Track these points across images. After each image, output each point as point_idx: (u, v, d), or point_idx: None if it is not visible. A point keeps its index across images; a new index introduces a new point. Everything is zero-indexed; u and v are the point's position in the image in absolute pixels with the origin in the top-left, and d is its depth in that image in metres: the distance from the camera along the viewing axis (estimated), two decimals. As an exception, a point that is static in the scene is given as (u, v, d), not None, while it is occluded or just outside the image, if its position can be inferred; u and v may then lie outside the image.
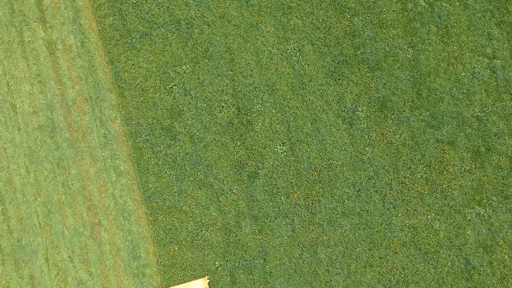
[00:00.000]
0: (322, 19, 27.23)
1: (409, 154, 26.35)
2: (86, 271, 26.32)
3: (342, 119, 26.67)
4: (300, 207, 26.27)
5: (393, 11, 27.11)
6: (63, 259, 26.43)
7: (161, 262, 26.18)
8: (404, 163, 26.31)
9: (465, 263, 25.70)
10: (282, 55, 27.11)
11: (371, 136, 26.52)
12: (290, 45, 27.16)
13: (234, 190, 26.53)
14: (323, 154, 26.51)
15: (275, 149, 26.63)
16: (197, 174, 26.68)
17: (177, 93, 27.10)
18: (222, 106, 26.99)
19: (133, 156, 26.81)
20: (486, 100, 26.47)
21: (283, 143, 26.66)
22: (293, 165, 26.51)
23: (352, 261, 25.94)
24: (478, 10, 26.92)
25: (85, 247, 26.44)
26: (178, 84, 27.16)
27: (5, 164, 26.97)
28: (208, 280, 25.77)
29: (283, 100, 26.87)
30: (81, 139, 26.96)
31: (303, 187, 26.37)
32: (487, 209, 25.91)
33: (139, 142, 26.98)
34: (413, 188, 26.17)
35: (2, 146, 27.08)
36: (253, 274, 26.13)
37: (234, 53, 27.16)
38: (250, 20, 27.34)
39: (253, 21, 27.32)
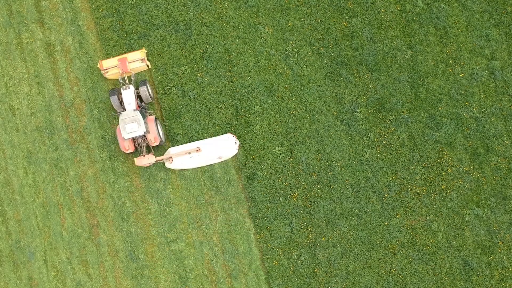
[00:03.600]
0: (320, 20, 27.22)
1: (407, 155, 26.35)
2: (85, 272, 26.32)
3: (340, 120, 26.67)
4: (298, 208, 26.27)
5: (392, 12, 27.11)
6: (61, 261, 26.43)
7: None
8: (402, 164, 26.32)
9: (463, 264, 25.72)
10: (280, 56, 27.09)
11: (369, 137, 26.52)
12: (288, 46, 27.15)
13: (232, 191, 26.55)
14: (322, 155, 26.51)
15: (274, 150, 26.62)
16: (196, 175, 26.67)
17: (176, 94, 27.07)
18: (221, 107, 26.97)
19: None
20: (485, 101, 26.48)
21: (281, 144, 26.65)
22: (291, 166, 26.51)
23: (351, 262, 25.95)
24: (476, 11, 26.92)
25: (84, 248, 26.44)
26: (176, 85, 27.14)
27: (3, 165, 26.95)
28: (146, 51, 26.35)
29: (282, 101, 26.86)
30: (80, 141, 26.94)
31: (301, 188, 26.37)
32: (486, 210, 25.92)
33: (138, 143, 26.99)
34: (411, 189, 26.18)
35: (1, 148, 27.07)
36: (251, 275, 26.17)
37: (232, 54, 27.14)
38: (248, 21, 27.32)
39: (252, 22, 27.30)
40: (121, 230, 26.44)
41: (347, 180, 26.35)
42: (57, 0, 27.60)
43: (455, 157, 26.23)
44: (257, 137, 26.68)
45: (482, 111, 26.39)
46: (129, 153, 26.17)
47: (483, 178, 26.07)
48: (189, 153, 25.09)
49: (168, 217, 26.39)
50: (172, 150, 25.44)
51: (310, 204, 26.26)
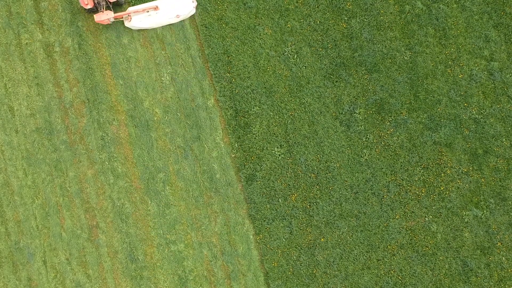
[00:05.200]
0: (319, 21, 27.22)
1: (406, 156, 26.36)
2: (84, 273, 26.34)
3: (339, 121, 26.67)
4: (297, 209, 26.28)
5: (391, 13, 27.11)
6: (60, 262, 26.44)
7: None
8: (401, 165, 26.33)
9: (462, 265, 25.73)
10: (279, 57, 27.10)
11: (368, 138, 26.53)
12: (287, 47, 27.15)
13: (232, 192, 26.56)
14: (321, 156, 26.52)
15: (273, 151, 26.63)
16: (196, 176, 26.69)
17: (175, 95, 27.11)
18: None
19: (135, 162, 26.85)
20: (484, 102, 26.49)
21: (280, 145, 26.66)
22: (290, 167, 26.52)
23: (350, 263, 25.96)
24: (475, 12, 26.93)
25: (83, 249, 26.45)
26: (175, 86, 27.18)
27: (2, 166, 26.96)
28: None
29: (281, 102, 26.87)
30: (79, 142, 26.95)
31: (300, 189, 26.38)
32: (485, 211, 25.94)
33: (139, 148, 27.00)
34: (410, 190, 26.19)
35: (0, 149, 27.08)
36: (250, 276, 26.19)
37: (231, 55, 27.14)
38: (247, 22, 27.33)
39: (251, 23, 27.31)
40: (120, 231, 26.45)
41: (346, 181, 26.36)
42: (56, 1, 27.60)
43: (454, 158, 26.25)
44: (256, 138, 26.69)
45: (481, 112, 26.40)
46: (88, 13, 27.04)
47: (482, 179, 26.09)
48: (147, 11, 26.73)
49: (167, 218, 26.40)
50: (130, 9, 26.91)
51: (309, 205, 26.28)
